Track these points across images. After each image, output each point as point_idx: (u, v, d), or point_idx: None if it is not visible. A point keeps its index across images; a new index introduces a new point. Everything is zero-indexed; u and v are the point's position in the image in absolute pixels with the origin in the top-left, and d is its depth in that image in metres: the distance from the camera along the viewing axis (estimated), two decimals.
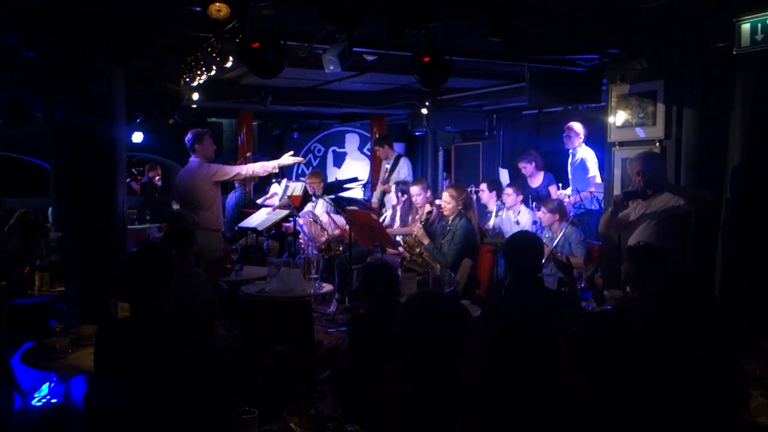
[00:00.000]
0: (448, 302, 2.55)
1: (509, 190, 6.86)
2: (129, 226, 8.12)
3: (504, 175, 8.66)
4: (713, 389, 2.12)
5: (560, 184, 7.54)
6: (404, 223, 7.05)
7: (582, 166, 7.06)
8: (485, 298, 5.42)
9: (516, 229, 6.73)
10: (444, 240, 5.74)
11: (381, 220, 7.26)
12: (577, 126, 7.15)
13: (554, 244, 5.63)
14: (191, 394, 2.70)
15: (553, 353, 1.83)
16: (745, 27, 4.14)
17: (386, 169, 8.91)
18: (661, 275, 2.92)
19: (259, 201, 8.52)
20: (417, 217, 6.50)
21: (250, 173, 6.46)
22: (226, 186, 7.73)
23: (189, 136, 6.10)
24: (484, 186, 7.41)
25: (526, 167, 7.51)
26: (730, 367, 2.24)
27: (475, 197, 6.78)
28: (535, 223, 6.66)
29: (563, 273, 3.93)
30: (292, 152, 6.69)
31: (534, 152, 7.64)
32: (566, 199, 6.98)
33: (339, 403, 3.88)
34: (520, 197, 6.82)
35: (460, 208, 5.78)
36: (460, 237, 5.64)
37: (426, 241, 5.80)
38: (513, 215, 6.84)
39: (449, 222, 5.81)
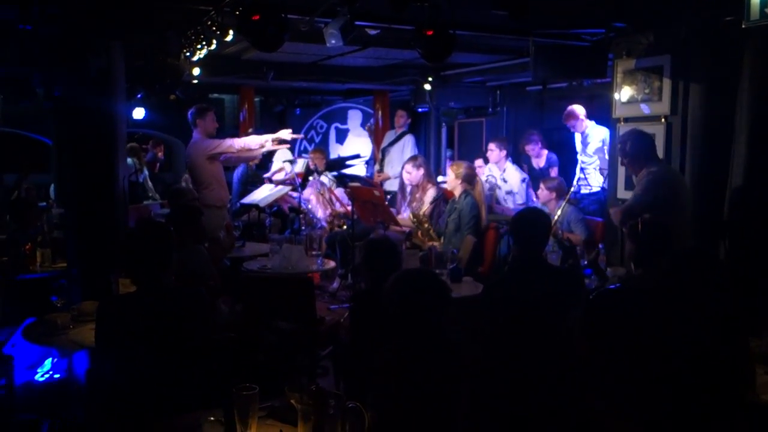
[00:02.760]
0: (426, 276, 2.62)
1: (492, 146, 6.70)
2: (144, 202, 8.21)
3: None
4: (719, 367, 2.11)
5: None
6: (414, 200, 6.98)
7: (603, 148, 6.87)
8: (488, 275, 5.40)
9: (504, 187, 6.69)
10: (450, 219, 5.68)
11: (387, 196, 7.21)
12: (578, 109, 6.82)
13: (554, 220, 5.59)
14: (192, 370, 2.70)
15: (559, 329, 1.81)
16: None
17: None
18: (665, 253, 2.89)
19: (265, 176, 8.49)
20: (418, 196, 6.42)
21: (242, 145, 6.08)
22: None
23: (192, 110, 5.99)
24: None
25: (534, 148, 7.35)
26: (736, 344, 2.22)
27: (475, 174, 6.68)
28: (523, 180, 6.58)
29: (565, 254, 3.91)
30: (290, 130, 6.46)
31: (535, 132, 7.49)
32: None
33: (341, 379, 3.89)
34: (504, 152, 6.68)
35: (460, 182, 5.71)
36: (468, 216, 5.58)
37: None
38: (498, 171, 6.74)
39: (455, 200, 5.75)
